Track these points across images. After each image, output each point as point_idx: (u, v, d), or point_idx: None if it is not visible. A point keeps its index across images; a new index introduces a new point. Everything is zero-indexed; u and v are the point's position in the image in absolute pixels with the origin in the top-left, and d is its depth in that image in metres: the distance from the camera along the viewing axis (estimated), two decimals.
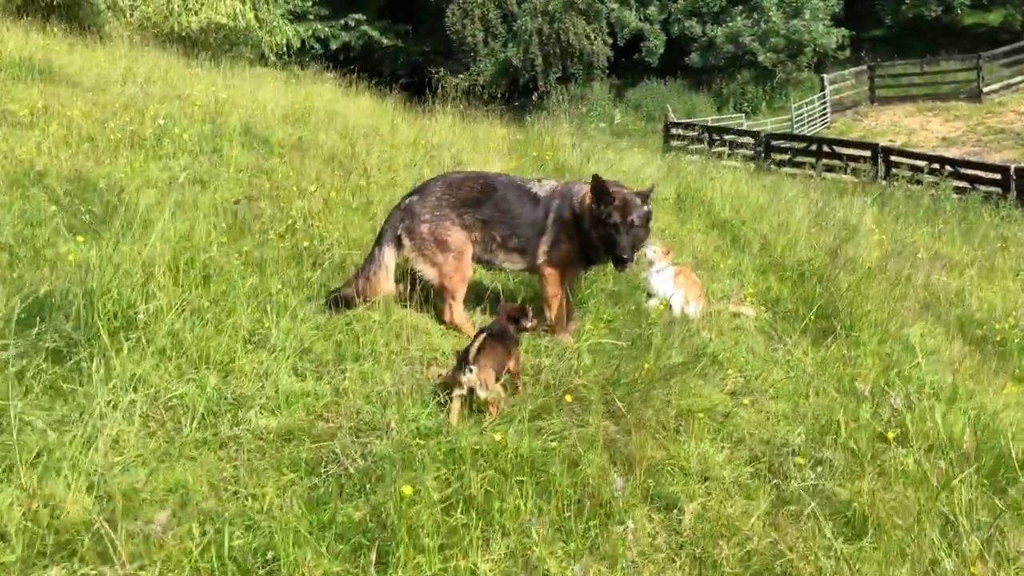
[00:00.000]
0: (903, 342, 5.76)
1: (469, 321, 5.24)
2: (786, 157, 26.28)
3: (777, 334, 5.73)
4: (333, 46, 41.47)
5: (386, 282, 5.19)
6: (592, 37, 39.88)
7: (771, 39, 37.61)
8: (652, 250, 6.05)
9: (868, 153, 23.93)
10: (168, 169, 6.98)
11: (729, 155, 27.93)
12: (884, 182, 21.15)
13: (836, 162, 23.62)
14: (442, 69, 41.90)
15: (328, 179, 7.18)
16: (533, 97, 40.15)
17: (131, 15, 22.23)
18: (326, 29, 41.50)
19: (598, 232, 5.01)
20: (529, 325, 4.56)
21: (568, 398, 4.15)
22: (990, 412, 4.78)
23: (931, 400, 4.73)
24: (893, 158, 23.41)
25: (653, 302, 6.00)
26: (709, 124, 31.86)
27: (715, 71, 39.30)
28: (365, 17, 42.02)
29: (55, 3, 20.25)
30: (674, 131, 30.81)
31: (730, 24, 38.65)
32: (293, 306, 4.74)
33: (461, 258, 5.20)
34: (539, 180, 5.44)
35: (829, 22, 38.47)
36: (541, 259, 5.21)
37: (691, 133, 30.44)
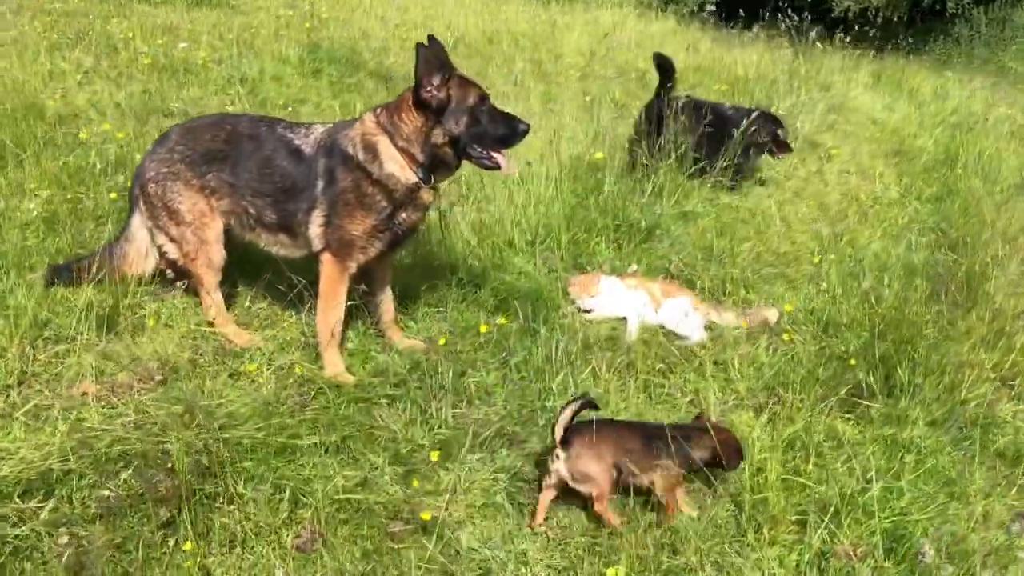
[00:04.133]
0: (982, 421, 3.59)
1: (237, 327, 4.00)
2: None
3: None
4: None
5: (136, 260, 3.99)
6: None
7: None
8: (573, 281, 4.56)
9: None
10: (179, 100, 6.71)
11: None
12: None
13: None
14: None
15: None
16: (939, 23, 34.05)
17: None
18: None
19: (459, 127, 3.47)
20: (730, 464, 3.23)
21: None
22: None
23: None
24: None
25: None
26: None
27: None
28: None
29: None
30: None
31: None
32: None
33: (201, 233, 3.83)
34: (307, 126, 3.82)
35: None
36: (317, 244, 3.68)
37: None
